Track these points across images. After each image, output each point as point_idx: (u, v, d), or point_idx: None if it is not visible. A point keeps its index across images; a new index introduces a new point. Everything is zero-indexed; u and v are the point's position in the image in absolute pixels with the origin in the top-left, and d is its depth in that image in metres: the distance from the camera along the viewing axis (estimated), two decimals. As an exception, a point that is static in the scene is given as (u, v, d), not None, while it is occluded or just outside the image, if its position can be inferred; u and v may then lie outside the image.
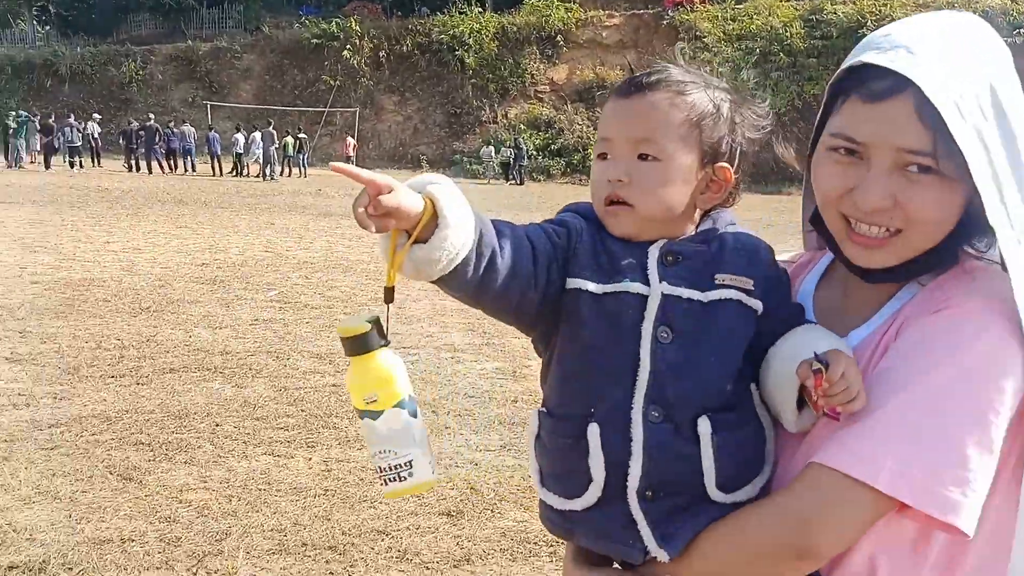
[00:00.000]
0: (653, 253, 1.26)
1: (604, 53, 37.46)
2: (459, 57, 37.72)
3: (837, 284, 1.36)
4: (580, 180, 32.97)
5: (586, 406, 1.24)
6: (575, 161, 34.32)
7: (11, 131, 29.01)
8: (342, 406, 5.65)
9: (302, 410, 5.59)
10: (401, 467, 1.17)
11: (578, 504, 1.26)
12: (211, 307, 8.45)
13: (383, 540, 3.93)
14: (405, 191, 1.10)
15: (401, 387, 1.17)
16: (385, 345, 1.17)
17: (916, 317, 1.21)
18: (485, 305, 1.23)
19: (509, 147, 32.88)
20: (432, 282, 1.16)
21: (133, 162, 29.97)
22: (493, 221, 1.22)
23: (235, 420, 5.37)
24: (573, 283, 1.24)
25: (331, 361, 6.73)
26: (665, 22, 36.46)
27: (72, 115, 31.19)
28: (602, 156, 1.28)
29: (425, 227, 1.11)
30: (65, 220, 15.14)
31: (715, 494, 1.22)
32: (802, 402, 1.23)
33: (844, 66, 1.23)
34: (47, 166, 28.51)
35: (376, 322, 1.15)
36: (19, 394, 5.68)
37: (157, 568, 3.64)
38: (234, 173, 30.37)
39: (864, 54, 1.19)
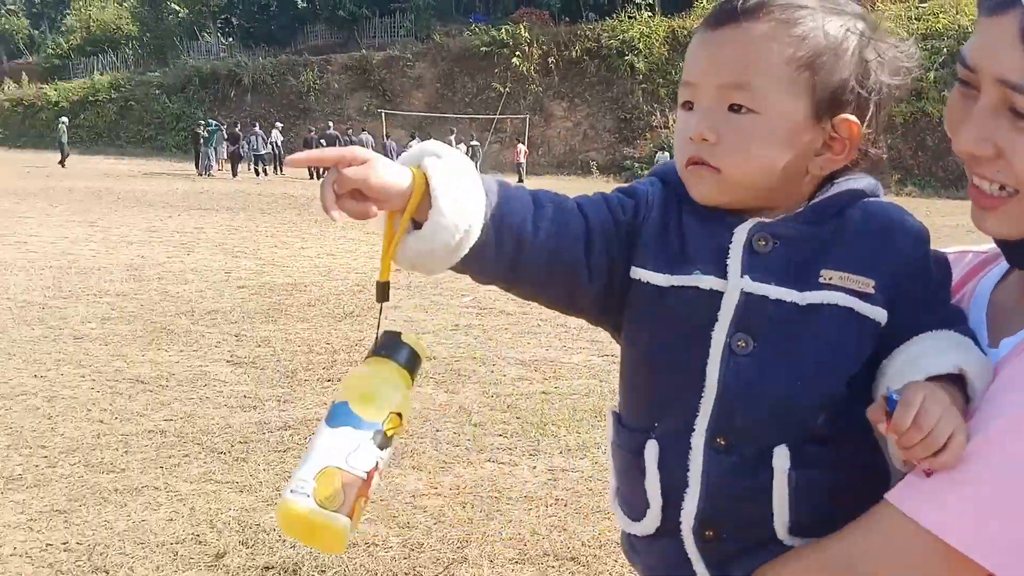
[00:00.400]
0: (739, 235, 1.00)
1: None
2: (628, 62, 37.47)
3: (1016, 281, 1.04)
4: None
5: (649, 420, 1.04)
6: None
7: (202, 140, 30.90)
8: (557, 413, 5.61)
9: (517, 417, 5.58)
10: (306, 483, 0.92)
11: (638, 529, 1.07)
12: (411, 312, 8.62)
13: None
14: (384, 164, 0.92)
15: (380, 407, 0.95)
16: (403, 366, 0.98)
17: None
18: (528, 296, 1.05)
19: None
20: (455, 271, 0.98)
21: (315, 170, 31.31)
22: (536, 194, 1.02)
23: (453, 426, 5.40)
24: (636, 273, 1.02)
25: (537, 368, 6.72)
26: (843, 22, 34.96)
27: (257, 124, 32.84)
28: (686, 105, 1.02)
29: (420, 208, 0.93)
30: (259, 226, 15.92)
31: (787, 539, 1.00)
32: None
33: None
34: (234, 174, 30.19)
35: (413, 348, 0.99)
36: (245, 396, 5.91)
37: (405, 573, 3.67)
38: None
39: None
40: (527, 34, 39.50)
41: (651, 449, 1.02)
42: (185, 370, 6.41)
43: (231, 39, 51.88)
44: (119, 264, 10.85)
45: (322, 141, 30.82)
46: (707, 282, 0.99)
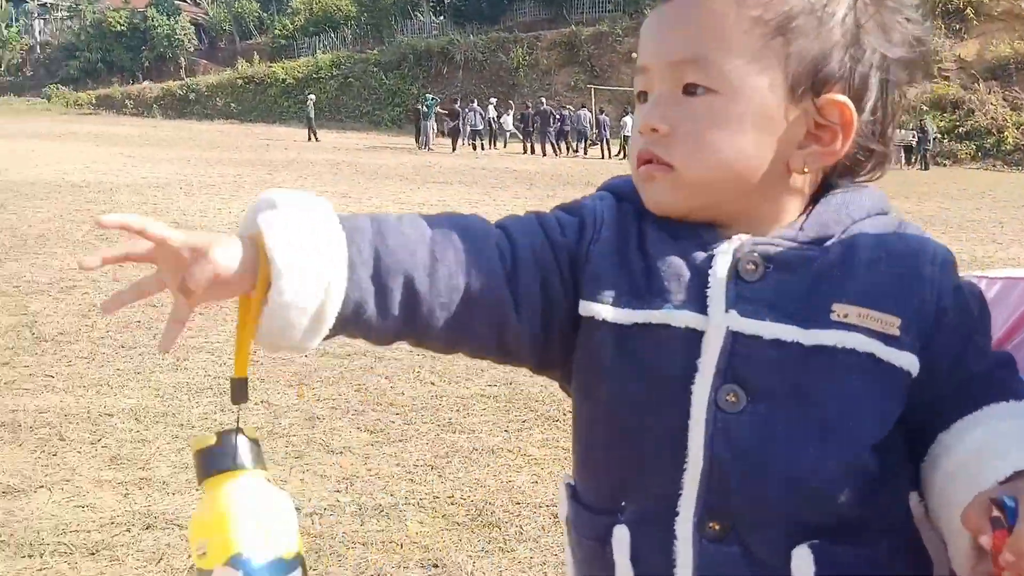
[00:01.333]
0: (722, 257, 0.79)
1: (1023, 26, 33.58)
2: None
3: None
4: (994, 165, 29.88)
5: (614, 498, 0.82)
6: (988, 145, 31.15)
7: (422, 114, 32.05)
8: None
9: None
10: None
11: None
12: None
13: None
14: (221, 246, 0.74)
15: (241, 536, 0.72)
16: (236, 469, 0.74)
17: None
18: (447, 349, 0.84)
19: (912, 130, 30.64)
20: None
21: (529, 144, 31.89)
22: (438, 222, 0.82)
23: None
24: (586, 307, 0.81)
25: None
26: (1103, -13, 31.89)
27: (475, 100, 33.68)
28: (641, 96, 0.85)
29: (265, 281, 0.74)
30: (497, 200, 16.36)
31: None
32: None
33: None
34: (454, 148, 31.15)
35: (231, 435, 0.76)
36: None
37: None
38: (621, 156, 31.28)
39: None
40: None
41: (620, 536, 0.81)
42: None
43: (442, 17, 53.38)
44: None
45: (536, 116, 31.23)
46: (681, 318, 0.78)
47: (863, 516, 0.77)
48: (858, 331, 0.76)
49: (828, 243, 0.79)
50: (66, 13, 78.39)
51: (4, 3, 74.67)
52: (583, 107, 33.74)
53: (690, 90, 0.80)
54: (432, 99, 33.59)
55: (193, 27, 66.59)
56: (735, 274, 0.78)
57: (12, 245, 9.50)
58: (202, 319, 6.49)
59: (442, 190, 17.57)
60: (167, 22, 65.07)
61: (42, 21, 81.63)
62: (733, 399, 0.76)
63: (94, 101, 62.87)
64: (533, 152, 31.64)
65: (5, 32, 73.34)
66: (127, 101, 61.41)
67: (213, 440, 0.75)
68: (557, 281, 0.83)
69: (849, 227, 0.80)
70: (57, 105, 62.03)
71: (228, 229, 6.95)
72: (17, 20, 77.96)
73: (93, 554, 3.30)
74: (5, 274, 8.02)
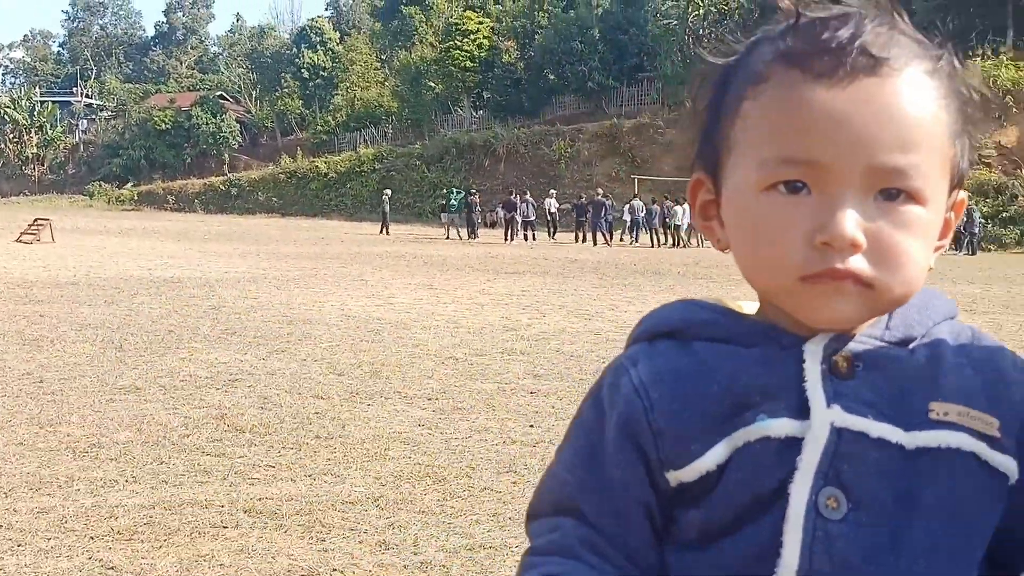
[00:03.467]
0: (813, 354, 0.73)
1: (1061, 114, 34.18)
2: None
3: None
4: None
5: None
6: (1031, 230, 31.49)
7: (448, 207, 33.17)
8: None
9: None
10: None
11: None
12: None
13: None
14: None
15: None
16: None
17: None
18: None
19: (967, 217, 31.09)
20: None
21: (580, 234, 32.49)
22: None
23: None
24: (676, 475, 0.74)
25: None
26: None
27: (528, 192, 34.45)
28: (793, 187, 0.72)
29: None
30: (575, 289, 16.73)
31: None
32: None
33: None
34: (508, 239, 31.77)
35: None
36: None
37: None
38: (670, 244, 31.77)
39: None
40: (782, 98, 39.39)
41: None
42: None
43: (482, 111, 54.86)
44: (495, 325, 11.76)
45: (589, 206, 31.85)
46: (779, 427, 0.71)
47: None
48: (961, 430, 0.71)
49: (912, 345, 0.75)
50: (111, 113, 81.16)
51: (51, 104, 77.50)
52: (636, 197, 34.40)
53: (891, 195, 0.71)
54: (458, 192, 34.47)
55: (238, 125, 68.69)
56: (830, 370, 0.72)
57: (151, 341, 9.89)
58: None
59: (518, 280, 17.96)
60: (213, 120, 67.21)
61: (86, 121, 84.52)
62: (834, 504, 0.69)
63: (136, 197, 64.67)
64: (584, 241, 32.16)
65: (50, 132, 75.91)
66: (169, 196, 63.10)
67: None
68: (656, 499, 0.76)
69: (930, 329, 0.76)
70: (99, 201, 63.86)
71: (336, 321, 7.47)
72: (62, 120, 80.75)
73: (423, 633, 3.53)
74: (164, 370, 8.37)
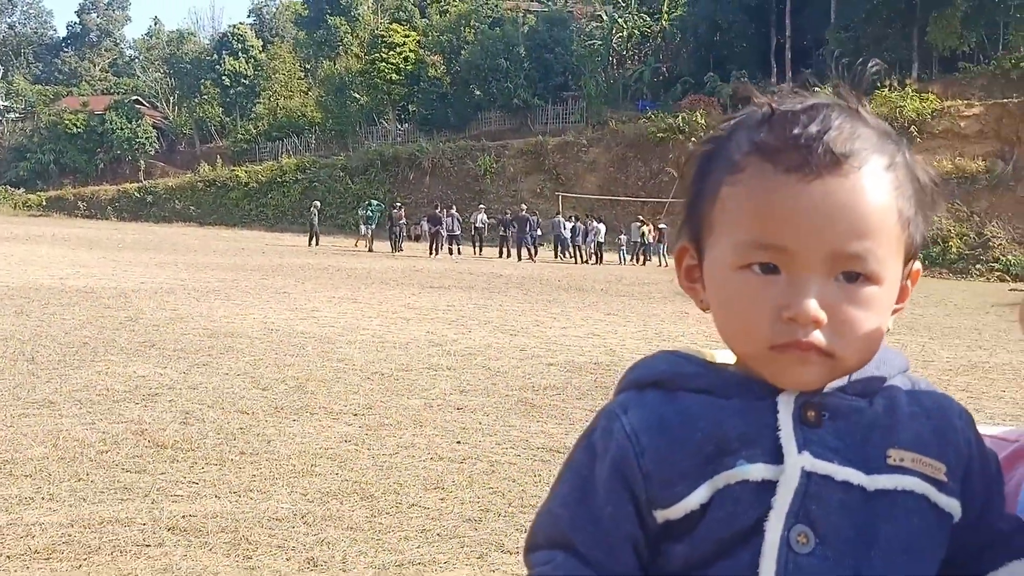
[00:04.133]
0: (786, 405, 0.82)
1: (962, 144, 35.81)
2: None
3: None
4: (938, 273, 31.45)
5: None
6: (934, 254, 32.80)
7: (365, 218, 33.23)
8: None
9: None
10: None
11: None
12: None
13: None
14: None
15: None
16: None
17: None
18: None
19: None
20: None
21: (506, 249, 32.63)
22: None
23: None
24: (664, 514, 0.81)
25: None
26: (1035, 109, 34.32)
27: (453, 207, 34.50)
28: (766, 268, 0.81)
29: None
30: (501, 304, 16.80)
31: None
32: None
33: None
34: (433, 253, 31.72)
35: None
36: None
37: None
38: (593, 262, 32.18)
39: None
40: (703, 120, 40.28)
41: None
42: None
43: (407, 124, 54.73)
44: (421, 340, 11.74)
45: (514, 223, 32.05)
46: (756, 471, 0.79)
47: None
48: (914, 475, 0.80)
49: (872, 397, 0.83)
50: (18, 114, 78.35)
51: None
52: (559, 215, 34.74)
53: (851, 277, 0.80)
54: (377, 204, 34.53)
55: (154, 130, 67.05)
56: (800, 420, 0.81)
57: (65, 354, 9.60)
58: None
59: (443, 295, 17.96)
60: (128, 125, 65.47)
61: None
62: (803, 540, 0.77)
63: (44, 203, 62.49)
64: (508, 256, 32.32)
65: (-48, 134, 72.98)
66: (80, 203, 61.18)
67: None
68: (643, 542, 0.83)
69: (888, 382, 0.85)
70: (4, 206, 61.50)
71: (259, 335, 7.43)
72: (-34, 122, 77.64)
73: (354, 651, 3.53)
74: (80, 383, 8.14)
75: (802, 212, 0.79)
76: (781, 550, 0.77)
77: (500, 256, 32.57)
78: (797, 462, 0.79)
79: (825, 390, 0.83)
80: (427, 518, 5.05)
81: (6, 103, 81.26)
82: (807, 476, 0.78)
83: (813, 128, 0.80)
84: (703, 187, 0.88)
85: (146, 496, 5.19)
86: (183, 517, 4.87)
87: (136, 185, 61.62)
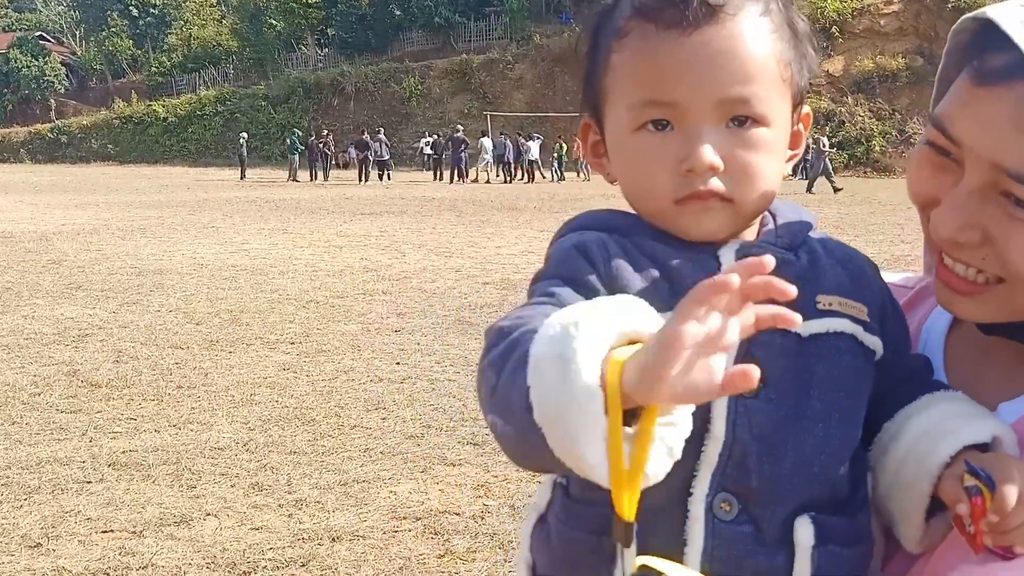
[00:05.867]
0: (727, 257, 0.85)
1: (883, 42, 36.26)
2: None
3: (979, 338, 0.93)
4: (864, 172, 32.20)
5: None
6: (858, 153, 33.54)
7: (289, 148, 32.90)
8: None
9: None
10: None
11: None
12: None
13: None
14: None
15: None
16: None
17: None
18: None
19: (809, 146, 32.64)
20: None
21: (439, 172, 32.36)
22: None
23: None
24: None
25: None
26: (950, 5, 34.71)
27: (382, 131, 33.95)
28: (659, 125, 0.83)
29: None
30: (434, 227, 16.75)
31: None
32: (932, 510, 0.83)
33: (976, 14, 0.83)
34: (363, 179, 31.31)
35: None
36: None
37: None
38: (524, 179, 32.10)
39: (1001, 3, 0.81)
40: (628, 32, 40.09)
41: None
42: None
43: (327, 49, 53.34)
44: (355, 267, 11.68)
45: (448, 144, 31.72)
46: None
47: (850, 490, 0.84)
48: (842, 316, 0.85)
49: (796, 250, 0.88)
50: (-85, 56, 74.27)
51: None
52: (503, 135, 34.37)
53: (738, 122, 0.82)
54: (297, 134, 34.15)
55: (63, 67, 64.20)
56: None
57: (-12, 299, 9.34)
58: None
59: (375, 221, 17.81)
60: (34, 63, 62.57)
61: None
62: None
63: (-48, 147, 59.91)
64: (441, 179, 32.09)
65: None
66: (-9, 146, 58.76)
67: None
68: None
69: (804, 239, 0.89)
70: (-91, 152, 58.82)
71: (188, 270, 7.35)
72: None
73: (303, 566, 3.60)
74: (6, 328, 7.95)
75: (685, 65, 0.81)
76: (730, 396, 0.78)
77: (435, 180, 32.32)
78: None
79: (759, 244, 0.87)
80: (369, 438, 5.12)
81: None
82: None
83: None
84: (595, 58, 0.89)
85: (83, 435, 5.15)
86: (123, 452, 4.86)
87: (48, 125, 59.30)
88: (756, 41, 0.82)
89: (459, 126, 34.27)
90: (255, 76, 53.77)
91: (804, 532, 0.81)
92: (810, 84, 0.91)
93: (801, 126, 0.91)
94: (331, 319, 8.39)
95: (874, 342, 0.87)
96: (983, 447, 0.82)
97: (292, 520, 4.04)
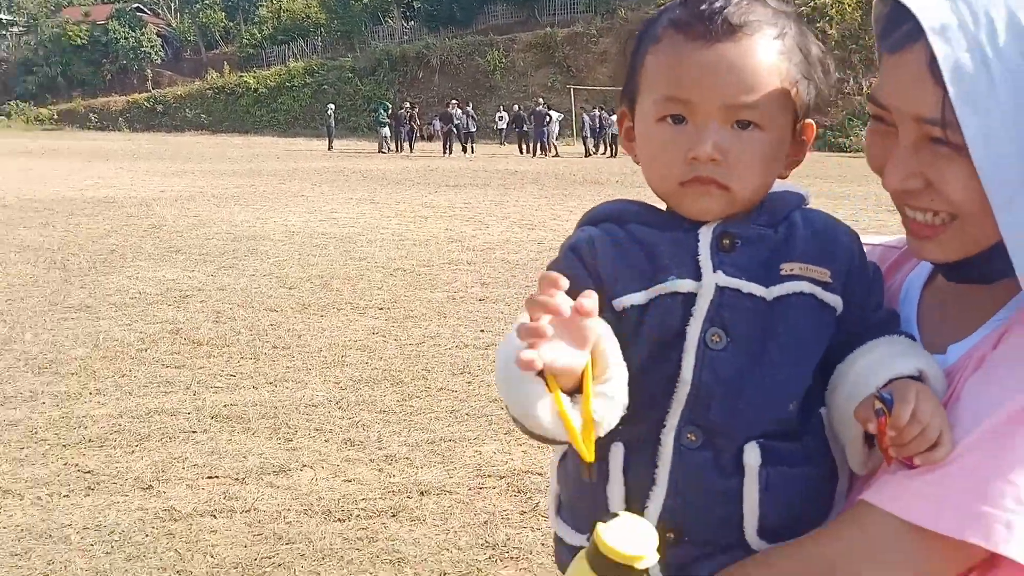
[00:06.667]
0: (705, 236, 1.02)
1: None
2: (820, 28, 36.79)
3: (947, 285, 1.07)
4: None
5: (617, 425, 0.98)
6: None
7: (378, 122, 33.12)
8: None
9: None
10: None
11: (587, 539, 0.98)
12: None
13: None
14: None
15: None
16: None
17: (1019, 325, 0.96)
18: None
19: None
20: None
21: (525, 145, 32.42)
22: None
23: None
24: (619, 303, 1.00)
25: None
26: None
27: (470, 104, 34.17)
28: (676, 119, 1.00)
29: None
30: (517, 199, 16.88)
31: (755, 541, 1.00)
32: (871, 437, 0.96)
33: None
34: (447, 151, 31.60)
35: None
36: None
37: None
38: (608, 154, 31.98)
39: None
40: (716, 5, 39.39)
41: (616, 453, 1.01)
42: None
43: (413, 22, 53.72)
44: (440, 237, 11.90)
45: (531, 117, 31.76)
46: (684, 285, 0.99)
47: (798, 425, 1.00)
48: (802, 279, 1.00)
49: (776, 226, 1.03)
50: (21, 28, 77.33)
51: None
52: (596, 109, 34.16)
53: (741, 124, 0.99)
54: (384, 105, 34.36)
55: (159, 39, 66.13)
56: (717, 247, 1.01)
57: (95, 261, 9.84)
58: (339, 320, 6.89)
59: (459, 193, 18.04)
60: (132, 34, 64.59)
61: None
62: (717, 339, 0.98)
63: (56, 116, 62.30)
64: (525, 152, 32.17)
65: (-43, 51, 72.26)
66: (91, 115, 60.94)
67: (646, 559, 0.81)
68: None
69: (787, 215, 1.04)
70: (17, 121, 61.36)
71: (280, 237, 7.61)
72: (-31, 38, 76.75)
73: (394, 516, 3.80)
74: (113, 288, 8.39)
75: (702, 71, 0.98)
76: (700, 347, 0.98)
77: (521, 153, 32.39)
78: (712, 279, 0.99)
79: (739, 223, 1.03)
80: (455, 400, 5.30)
81: (9, 17, 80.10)
82: (720, 290, 0.99)
83: (717, 5, 0.98)
84: (636, 60, 1.06)
85: (188, 388, 5.46)
86: (224, 406, 5.15)
87: (145, 95, 61.18)
88: (765, 59, 0.98)
89: (540, 99, 34.25)
90: (342, 48, 54.57)
91: (752, 455, 0.98)
92: (829, 99, 1.07)
93: (806, 136, 1.06)
94: (417, 286, 8.62)
95: (834, 300, 1.01)
96: (917, 380, 0.96)
97: (383, 474, 4.25)
